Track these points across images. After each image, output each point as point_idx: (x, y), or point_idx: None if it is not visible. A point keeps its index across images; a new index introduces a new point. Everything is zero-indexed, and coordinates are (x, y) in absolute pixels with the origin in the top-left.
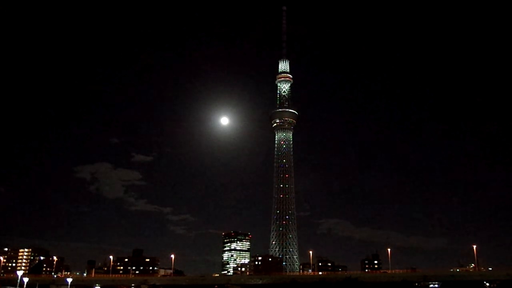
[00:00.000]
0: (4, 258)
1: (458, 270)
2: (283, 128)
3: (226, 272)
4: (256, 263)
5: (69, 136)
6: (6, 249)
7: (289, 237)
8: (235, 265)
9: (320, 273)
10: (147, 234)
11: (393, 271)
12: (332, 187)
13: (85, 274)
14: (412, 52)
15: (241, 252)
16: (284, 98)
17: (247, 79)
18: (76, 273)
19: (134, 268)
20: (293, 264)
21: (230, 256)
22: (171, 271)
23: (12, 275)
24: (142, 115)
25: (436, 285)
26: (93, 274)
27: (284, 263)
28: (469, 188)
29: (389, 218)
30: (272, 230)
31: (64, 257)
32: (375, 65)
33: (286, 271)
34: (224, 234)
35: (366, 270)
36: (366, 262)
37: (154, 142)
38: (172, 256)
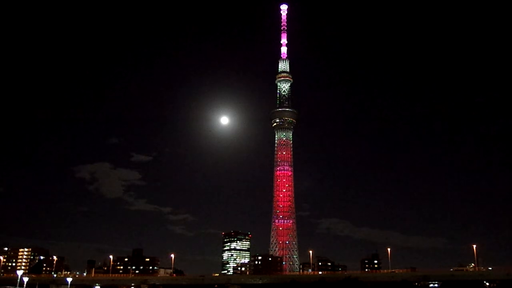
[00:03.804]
0: (4, 258)
1: (458, 270)
2: (283, 128)
3: (226, 272)
4: (256, 262)
5: (69, 136)
6: (6, 248)
7: (289, 236)
8: (235, 265)
9: (320, 272)
10: (147, 234)
11: (393, 271)
12: (332, 187)
13: (85, 274)
14: (413, 51)
15: (241, 252)
16: (284, 97)
17: (247, 79)
18: (76, 273)
19: (134, 268)
20: (293, 264)
21: (230, 255)
22: (171, 271)
23: (12, 274)
24: (142, 115)
25: (436, 285)
26: (93, 273)
27: (284, 263)
28: (469, 188)
29: (389, 218)
30: (272, 230)
31: (64, 256)
32: (375, 65)
33: (286, 271)
34: (224, 234)
35: (366, 270)
36: (366, 262)
37: (154, 142)
38: (172, 256)
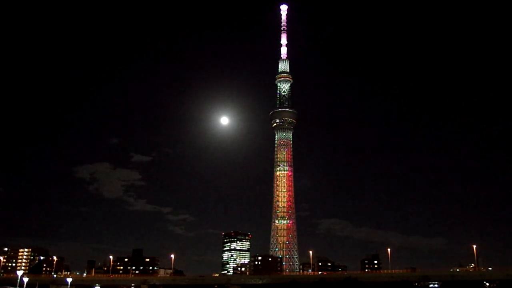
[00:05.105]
0: (4, 258)
1: (458, 270)
2: (283, 128)
3: (226, 272)
4: (256, 263)
5: (68, 136)
6: (6, 249)
7: (289, 236)
8: (235, 265)
9: (320, 273)
10: (147, 234)
11: (393, 271)
12: (332, 187)
13: (85, 274)
14: (412, 51)
15: (241, 252)
16: (284, 98)
17: (247, 79)
18: (76, 273)
19: (134, 268)
20: (293, 264)
21: (230, 256)
22: (171, 271)
23: (12, 275)
24: (142, 115)
25: (436, 285)
26: (93, 274)
27: (284, 263)
28: (469, 188)
29: (389, 218)
30: (272, 230)
31: (64, 257)
32: (374, 65)
33: (286, 271)
34: (224, 234)
35: (366, 270)
36: (366, 262)
37: (153, 142)
38: (172, 256)
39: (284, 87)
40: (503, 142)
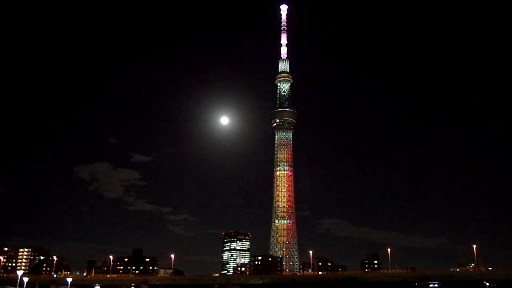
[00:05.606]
0: (4, 258)
1: (458, 270)
2: (283, 128)
3: (226, 272)
4: (256, 263)
5: (68, 136)
6: (6, 249)
7: (289, 236)
8: (235, 265)
9: (320, 273)
10: (146, 234)
11: (393, 271)
12: (332, 187)
13: (85, 274)
14: (412, 51)
15: (241, 252)
16: (284, 98)
17: (247, 79)
18: (76, 273)
19: (134, 268)
20: (293, 264)
21: (230, 256)
22: (171, 271)
23: (12, 274)
24: (142, 115)
25: (436, 285)
26: (93, 274)
27: (284, 263)
28: (469, 188)
29: (389, 218)
30: (272, 230)
31: (64, 257)
32: (375, 65)
33: (286, 271)
34: (224, 234)
35: (366, 270)
36: (366, 262)
37: (153, 142)
38: (172, 256)
39: (284, 87)
40: (503, 142)
